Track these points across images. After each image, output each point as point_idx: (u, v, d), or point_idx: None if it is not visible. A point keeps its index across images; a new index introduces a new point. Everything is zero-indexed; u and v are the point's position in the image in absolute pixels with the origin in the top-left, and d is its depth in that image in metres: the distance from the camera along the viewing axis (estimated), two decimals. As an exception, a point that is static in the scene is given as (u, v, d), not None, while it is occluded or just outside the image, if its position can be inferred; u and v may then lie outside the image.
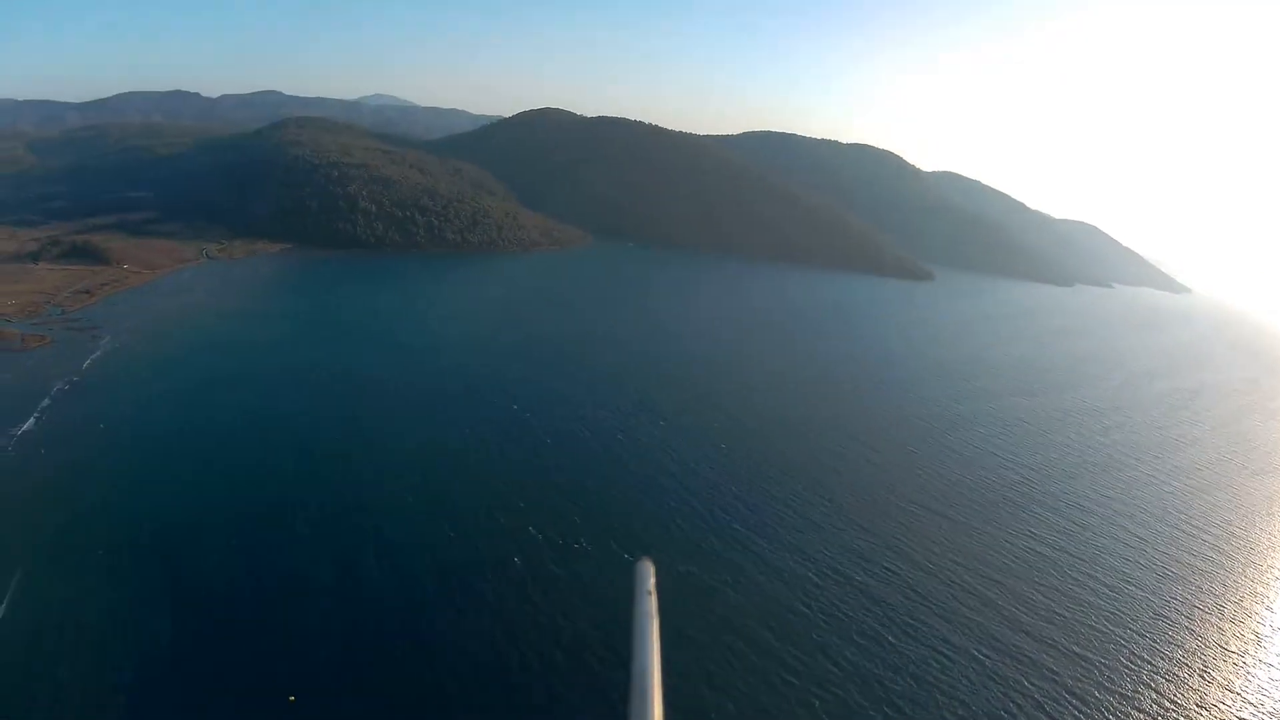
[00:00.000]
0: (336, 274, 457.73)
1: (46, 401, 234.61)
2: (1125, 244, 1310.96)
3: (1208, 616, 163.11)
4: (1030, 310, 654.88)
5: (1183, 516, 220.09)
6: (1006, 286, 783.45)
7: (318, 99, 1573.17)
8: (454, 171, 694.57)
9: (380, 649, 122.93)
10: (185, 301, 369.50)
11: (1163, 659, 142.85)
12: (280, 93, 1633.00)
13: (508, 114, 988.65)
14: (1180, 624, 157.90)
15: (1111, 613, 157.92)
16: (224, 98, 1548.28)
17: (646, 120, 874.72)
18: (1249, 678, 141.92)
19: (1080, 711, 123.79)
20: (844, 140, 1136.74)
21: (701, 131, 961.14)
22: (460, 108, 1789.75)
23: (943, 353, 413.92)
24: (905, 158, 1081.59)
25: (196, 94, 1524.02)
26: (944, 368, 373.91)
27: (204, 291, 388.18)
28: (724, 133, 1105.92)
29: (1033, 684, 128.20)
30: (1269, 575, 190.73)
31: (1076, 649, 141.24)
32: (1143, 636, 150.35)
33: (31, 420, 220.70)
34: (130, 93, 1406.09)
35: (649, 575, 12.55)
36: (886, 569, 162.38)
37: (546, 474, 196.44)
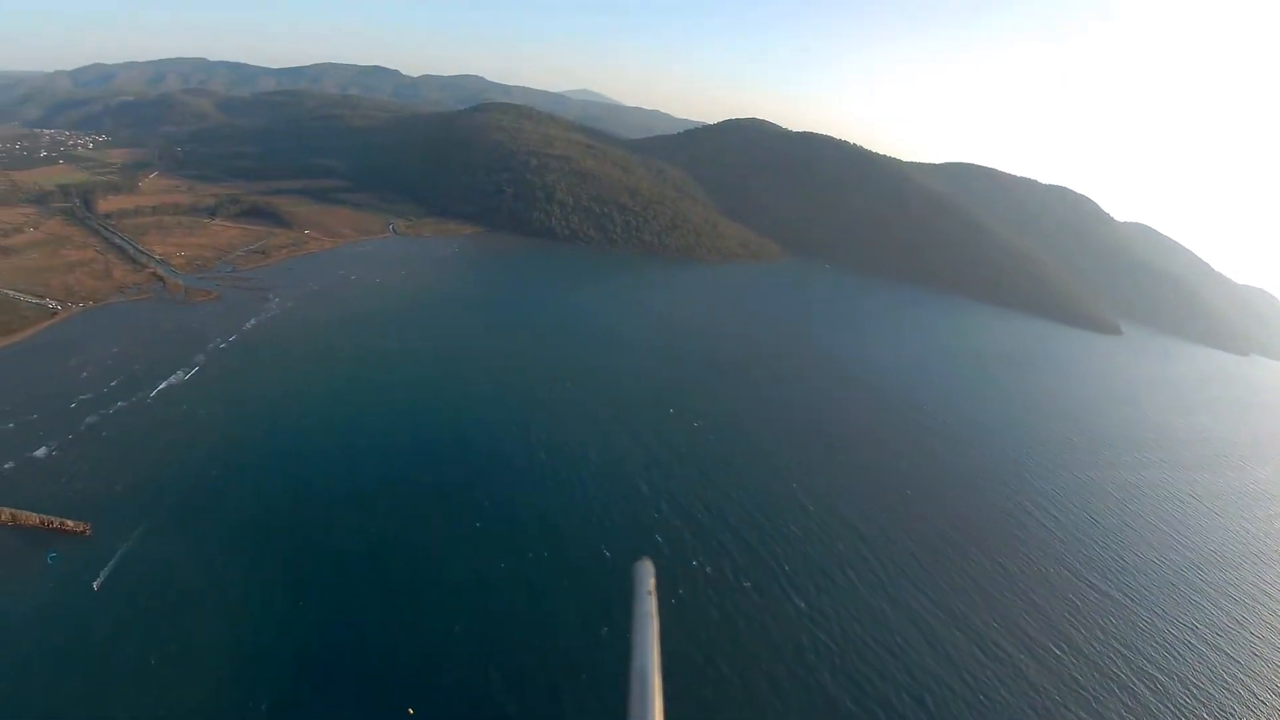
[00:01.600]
0: (531, 263, 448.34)
1: (201, 357, 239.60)
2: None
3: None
4: (1210, 378, 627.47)
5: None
6: (1186, 349, 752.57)
7: (521, 88, 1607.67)
8: (656, 172, 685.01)
9: (508, 665, 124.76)
10: (363, 273, 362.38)
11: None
12: (483, 78, 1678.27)
13: (711, 120, 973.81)
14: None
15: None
16: (425, 78, 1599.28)
17: (849, 139, 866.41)
18: None
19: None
20: (1042, 180, 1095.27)
21: (905, 157, 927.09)
22: (663, 110, 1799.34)
23: (1127, 413, 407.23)
24: (1100, 204, 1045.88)
25: (397, 71, 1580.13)
26: (1127, 431, 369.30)
27: (384, 265, 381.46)
28: (926, 160, 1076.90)
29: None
30: None
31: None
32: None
33: (179, 374, 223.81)
34: (329, 63, 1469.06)
35: (649, 575, 12.71)
36: (1047, 650, 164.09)
37: (720, 509, 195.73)
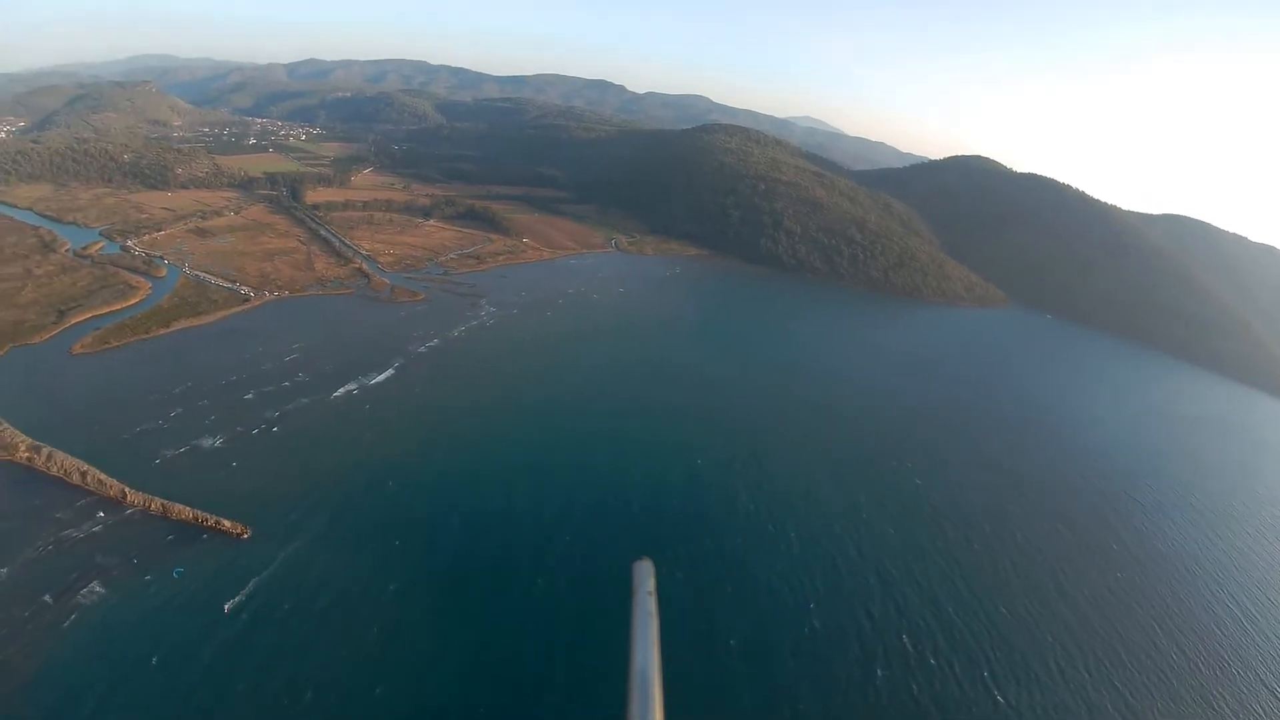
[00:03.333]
0: (755, 291, 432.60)
1: (398, 360, 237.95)
2: None
3: None
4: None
5: None
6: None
7: (746, 111, 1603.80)
8: (883, 206, 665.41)
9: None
10: (580, 287, 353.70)
11: None
12: (707, 98, 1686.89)
13: (935, 155, 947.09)
14: None
15: None
16: (649, 94, 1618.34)
17: (1073, 184, 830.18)
18: None
19: None
20: (1252, 239, 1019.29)
21: (1125, 205, 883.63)
22: (888, 142, 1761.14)
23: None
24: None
25: (622, 87, 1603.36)
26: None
27: (602, 282, 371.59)
28: (1144, 209, 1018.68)
29: None
30: None
31: None
32: None
33: (371, 375, 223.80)
34: (554, 74, 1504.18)
35: (649, 575, 13.26)
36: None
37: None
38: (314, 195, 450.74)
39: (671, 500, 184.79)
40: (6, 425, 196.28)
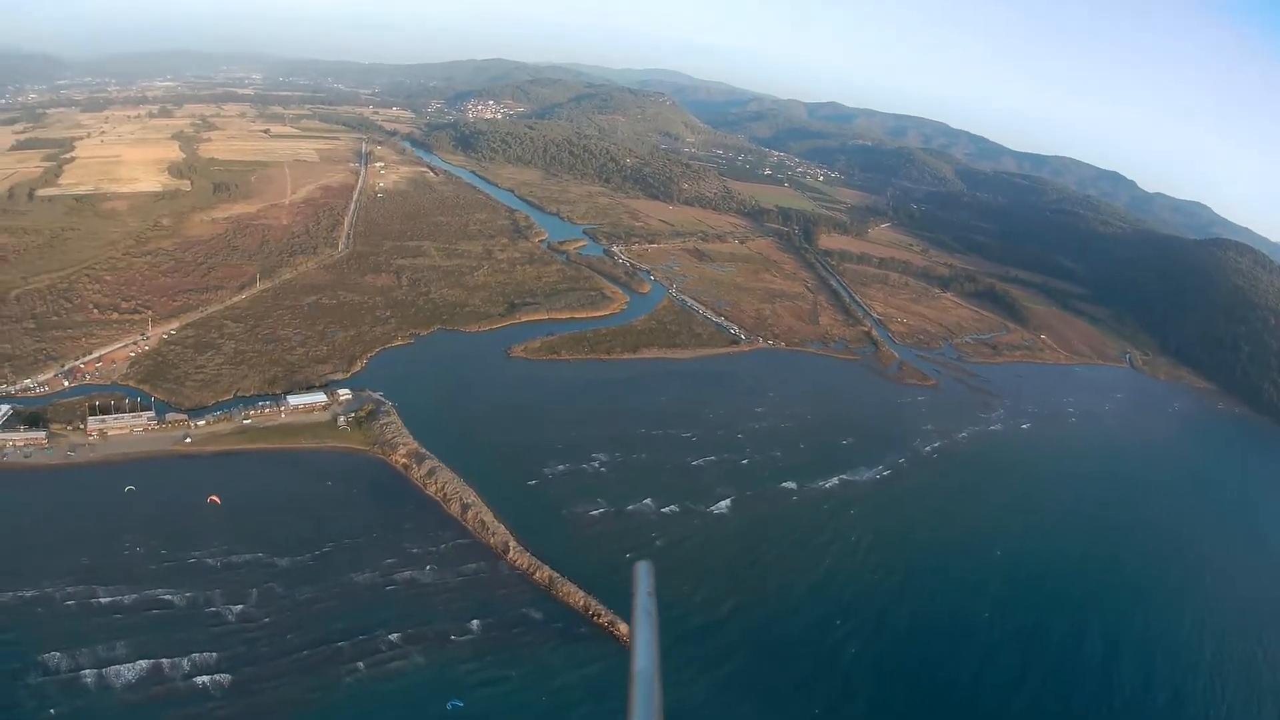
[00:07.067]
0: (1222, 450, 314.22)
1: (899, 458, 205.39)
2: None
3: None
4: None
5: None
6: None
7: (1246, 229, 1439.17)
8: None
9: None
10: (1091, 405, 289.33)
11: None
12: (1210, 209, 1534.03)
13: None
14: None
15: None
16: (1158, 195, 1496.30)
17: None
18: None
19: None
20: None
21: None
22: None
23: None
24: None
25: (1133, 183, 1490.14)
26: None
27: (1117, 403, 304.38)
28: None
29: None
30: None
31: None
32: None
33: (860, 470, 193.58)
34: (1069, 158, 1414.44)
35: (650, 576, 12.58)
36: None
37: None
38: (827, 240, 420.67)
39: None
40: (394, 418, 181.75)
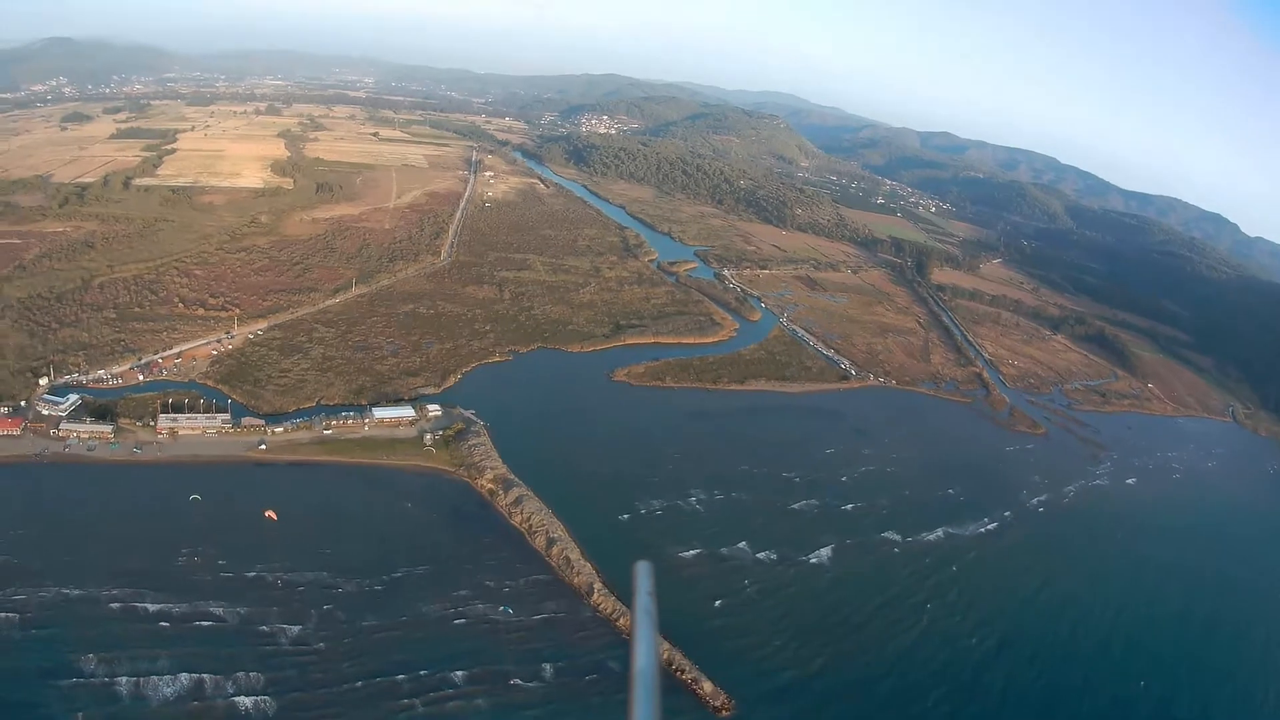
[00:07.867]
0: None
1: (1005, 511, 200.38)
2: None
3: None
4: None
5: None
6: None
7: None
8: None
9: None
10: (1201, 460, 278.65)
11: None
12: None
13: None
14: None
15: None
16: (1258, 239, 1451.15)
17: None
18: None
19: None
20: None
21: None
22: None
23: None
24: None
25: (1235, 225, 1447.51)
26: None
27: (1221, 459, 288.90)
28: None
29: None
30: None
31: None
32: None
33: (967, 524, 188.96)
34: (1175, 199, 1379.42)
35: (649, 576, 12.85)
36: None
37: None
38: (940, 275, 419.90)
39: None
40: (484, 439, 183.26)
